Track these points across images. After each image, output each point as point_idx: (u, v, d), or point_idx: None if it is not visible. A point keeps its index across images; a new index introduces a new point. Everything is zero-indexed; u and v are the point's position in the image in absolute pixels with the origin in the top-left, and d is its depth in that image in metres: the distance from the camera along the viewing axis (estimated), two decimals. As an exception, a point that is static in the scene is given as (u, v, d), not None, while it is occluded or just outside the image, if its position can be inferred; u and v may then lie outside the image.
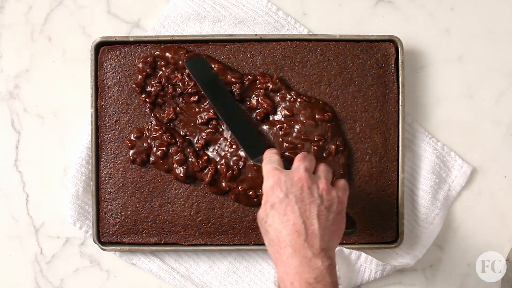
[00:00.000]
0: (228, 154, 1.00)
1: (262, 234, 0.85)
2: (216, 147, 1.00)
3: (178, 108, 1.00)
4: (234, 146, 1.00)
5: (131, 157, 1.01)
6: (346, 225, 0.87)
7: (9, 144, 1.05)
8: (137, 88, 1.00)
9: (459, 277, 1.06)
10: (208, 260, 1.05)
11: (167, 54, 1.00)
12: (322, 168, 0.87)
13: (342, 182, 0.87)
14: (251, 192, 1.00)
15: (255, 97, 1.00)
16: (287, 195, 0.82)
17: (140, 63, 1.00)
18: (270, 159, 0.89)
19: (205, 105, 1.00)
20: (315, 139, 0.99)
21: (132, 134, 1.01)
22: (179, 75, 1.00)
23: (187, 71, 0.99)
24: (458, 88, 1.06)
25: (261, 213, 0.84)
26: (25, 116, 1.06)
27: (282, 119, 1.00)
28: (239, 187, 1.00)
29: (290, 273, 0.78)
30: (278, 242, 0.81)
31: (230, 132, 0.98)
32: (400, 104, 1.01)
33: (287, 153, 0.99)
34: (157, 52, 1.00)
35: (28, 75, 1.05)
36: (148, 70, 1.00)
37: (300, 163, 0.85)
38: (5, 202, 1.05)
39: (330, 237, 0.81)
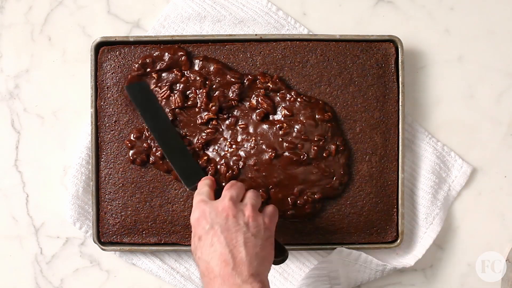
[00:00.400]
0: (228, 154, 1.00)
1: (197, 268, 0.84)
2: (216, 147, 1.00)
3: (177, 110, 1.00)
4: (234, 146, 1.00)
5: (131, 157, 1.01)
6: (276, 253, 0.87)
7: (9, 144, 1.06)
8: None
9: (459, 277, 1.06)
10: (208, 260, 1.05)
11: (166, 54, 1.00)
12: (249, 195, 0.88)
13: (270, 208, 0.88)
14: None
15: (255, 97, 1.00)
16: (212, 226, 0.83)
17: (137, 64, 1.00)
18: (199, 191, 0.89)
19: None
20: (315, 139, 0.99)
21: (132, 135, 1.01)
22: (178, 76, 1.00)
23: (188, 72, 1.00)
24: (458, 88, 1.06)
25: (192, 246, 0.85)
26: (25, 116, 1.06)
27: (282, 119, 1.00)
28: None
29: None
30: (208, 274, 0.81)
31: (167, 159, 0.97)
32: (400, 104, 1.01)
33: (286, 153, 0.99)
34: (157, 53, 1.00)
35: (28, 75, 1.05)
36: (142, 71, 1.00)
37: (226, 192, 0.86)
38: (5, 202, 1.05)
39: (260, 262, 0.82)
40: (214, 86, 1.00)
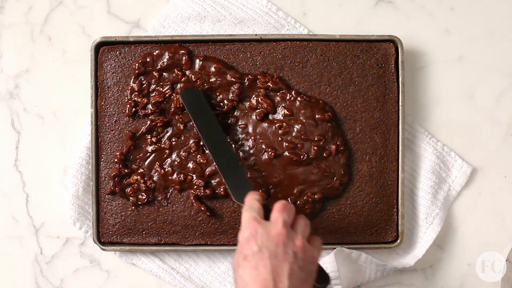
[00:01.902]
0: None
1: (234, 282, 0.83)
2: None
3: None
4: (233, 146, 1.00)
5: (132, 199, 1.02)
6: (319, 279, 0.86)
7: (9, 144, 1.06)
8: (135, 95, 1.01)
9: (459, 277, 1.06)
10: (208, 260, 1.05)
11: (167, 53, 1.00)
12: (301, 222, 0.85)
13: (318, 241, 0.86)
14: None
15: (255, 97, 1.00)
16: (261, 250, 0.81)
17: (137, 63, 1.00)
18: (250, 206, 0.86)
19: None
20: (315, 139, 0.99)
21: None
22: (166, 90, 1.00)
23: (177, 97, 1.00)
24: (458, 88, 1.06)
25: (234, 262, 0.83)
26: (25, 116, 1.06)
27: (282, 118, 1.00)
28: None
29: None
30: None
31: (218, 169, 0.96)
32: (400, 104, 1.01)
33: (286, 153, 0.99)
34: (157, 51, 1.00)
35: (28, 75, 1.05)
36: (143, 69, 1.00)
37: (279, 215, 0.83)
38: (5, 202, 1.05)
39: None
40: (214, 86, 1.00)
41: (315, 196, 1.00)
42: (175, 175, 1.00)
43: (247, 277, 0.80)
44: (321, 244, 0.87)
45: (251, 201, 0.87)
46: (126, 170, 1.01)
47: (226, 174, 0.94)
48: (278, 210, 0.84)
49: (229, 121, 1.00)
